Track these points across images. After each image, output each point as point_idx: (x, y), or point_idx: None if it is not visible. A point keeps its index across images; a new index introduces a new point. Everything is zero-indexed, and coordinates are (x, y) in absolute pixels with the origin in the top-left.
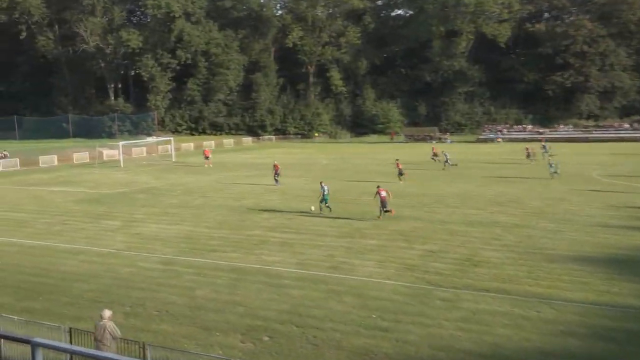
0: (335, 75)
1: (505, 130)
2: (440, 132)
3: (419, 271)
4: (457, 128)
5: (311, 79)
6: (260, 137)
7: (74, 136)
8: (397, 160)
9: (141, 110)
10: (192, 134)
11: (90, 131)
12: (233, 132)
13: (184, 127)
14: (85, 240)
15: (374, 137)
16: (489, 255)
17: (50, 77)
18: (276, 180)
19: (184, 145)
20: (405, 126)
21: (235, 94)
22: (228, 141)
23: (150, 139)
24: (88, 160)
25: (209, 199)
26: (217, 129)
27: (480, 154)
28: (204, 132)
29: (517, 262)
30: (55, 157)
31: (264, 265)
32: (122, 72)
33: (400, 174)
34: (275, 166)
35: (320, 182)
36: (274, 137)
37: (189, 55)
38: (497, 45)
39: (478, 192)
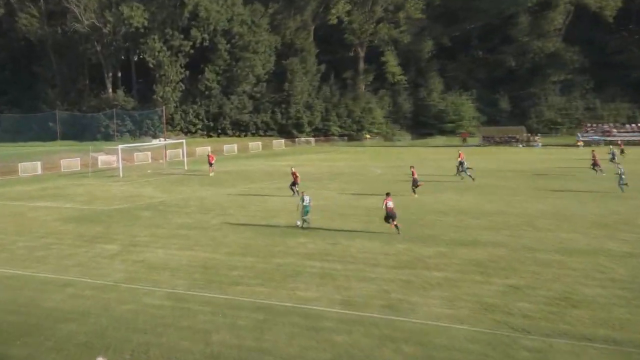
0: (392, 61)
1: (614, 130)
2: (529, 132)
3: (499, 313)
4: (551, 128)
5: (361, 65)
6: (296, 139)
7: (63, 138)
8: (412, 167)
9: (146, 105)
10: (210, 136)
11: (83, 132)
12: (261, 132)
13: (199, 126)
14: (76, 269)
15: (440, 139)
16: (592, 293)
17: (34, 65)
18: (293, 191)
19: (199, 149)
20: (482, 125)
21: (264, 84)
22: (255, 144)
23: (156, 142)
24: (79, 168)
25: (230, 218)
26: (240, 129)
27: (579, 159)
28: (224, 133)
29: (631, 302)
30: (39, 164)
31: (298, 304)
32: (123, 57)
33: (415, 185)
34: (293, 174)
35: (302, 193)
36: (312, 140)
37: (206, 36)
38: (603, 21)
39: (577, 210)
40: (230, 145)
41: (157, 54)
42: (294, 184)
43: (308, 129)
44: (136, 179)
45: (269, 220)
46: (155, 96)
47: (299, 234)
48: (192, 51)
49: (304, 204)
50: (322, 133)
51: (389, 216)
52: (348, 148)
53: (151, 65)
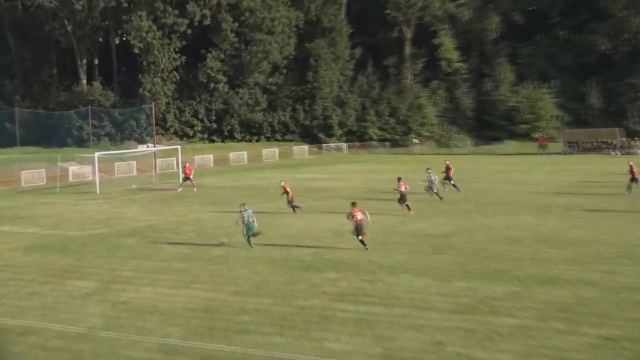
0: (447, 44)
1: None
2: (627, 136)
3: None
4: None
5: (407, 50)
6: (323, 145)
7: (24, 143)
8: (399, 179)
9: (130, 102)
10: (212, 140)
11: (49, 135)
12: (278, 136)
13: (198, 128)
14: (40, 313)
15: (511, 145)
16: None
17: None
18: (293, 208)
19: (198, 158)
20: (566, 127)
21: (283, 74)
22: (270, 151)
23: (144, 148)
24: (45, 182)
25: (237, 246)
26: (251, 132)
27: None
28: (230, 137)
29: None
30: None
31: (326, 358)
32: (101, 40)
33: (404, 200)
34: (284, 187)
35: (242, 205)
36: (344, 145)
37: (207, 12)
38: None
39: None
40: (239, 153)
41: (144, 35)
42: (290, 200)
43: (339, 132)
44: (117, 196)
45: (289, 250)
46: (141, 90)
47: (327, 268)
48: (189, 31)
49: (246, 220)
50: (356, 137)
51: (358, 230)
52: (390, 157)
53: (137, 50)
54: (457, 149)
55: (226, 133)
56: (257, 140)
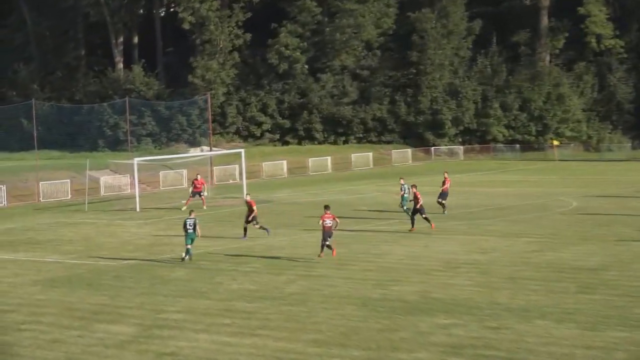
0: (598, 14)
1: None
2: None
3: None
4: None
5: (544, 22)
6: (432, 149)
7: (43, 146)
8: (413, 187)
9: (179, 91)
10: (286, 142)
11: (75, 136)
12: (372, 137)
13: (267, 126)
14: None
15: None
16: None
17: None
18: (261, 227)
19: (267, 164)
20: None
21: (379, 55)
22: (361, 157)
23: (196, 153)
24: (70, 197)
25: (319, 281)
26: (337, 132)
27: None
28: (309, 138)
29: None
30: (2, 189)
31: None
32: (142, 11)
33: (421, 213)
34: (249, 203)
35: (190, 212)
36: (460, 149)
37: None
38: None
39: None
40: (320, 159)
41: (197, 5)
42: (252, 218)
43: (452, 131)
44: (163, 215)
45: (387, 286)
46: (193, 76)
47: (437, 311)
48: (255, 2)
49: (188, 229)
50: (475, 138)
51: (324, 235)
52: (521, 164)
53: (187, 25)
54: (610, 153)
55: (303, 133)
56: (345, 142)
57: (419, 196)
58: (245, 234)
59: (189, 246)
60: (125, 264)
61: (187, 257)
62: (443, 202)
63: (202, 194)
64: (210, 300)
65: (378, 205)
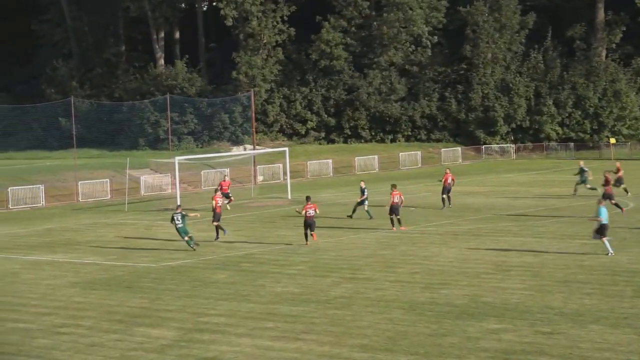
0: None
1: None
2: None
3: None
4: None
5: (601, 16)
6: (484, 147)
7: (82, 145)
8: (393, 187)
9: (221, 88)
10: (331, 140)
11: (115, 134)
12: (422, 135)
13: (312, 124)
14: None
15: None
16: None
17: (34, 20)
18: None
19: (312, 163)
20: None
21: (429, 50)
22: (410, 155)
23: (239, 151)
24: (109, 197)
25: (365, 284)
26: (385, 130)
27: None
28: (355, 136)
29: None
30: (41, 189)
31: None
32: (184, 6)
33: (396, 213)
34: (215, 200)
35: (177, 207)
36: (512, 147)
37: None
38: None
39: None
40: (367, 158)
41: (241, 0)
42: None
43: (504, 129)
44: (204, 216)
45: (435, 290)
46: (236, 73)
47: (487, 316)
48: None
49: (177, 224)
50: (528, 136)
51: (308, 225)
52: (575, 163)
53: (230, 21)
54: None
55: (350, 131)
56: (393, 141)
57: (393, 197)
58: (218, 232)
59: (186, 238)
60: (166, 266)
61: (193, 244)
62: (446, 196)
63: (229, 195)
64: (253, 303)
65: (427, 206)
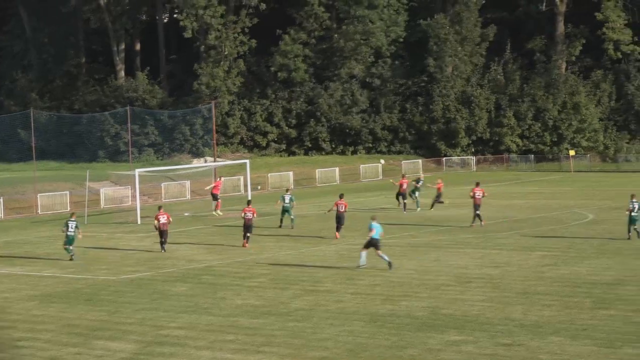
0: (616, 19)
1: None
2: None
3: None
4: None
5: (560, 29)
6: (444, 159)
7: (42, 157)
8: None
9: (182, 100)
10: (292, 152)
11: (75, 146)
12: (382, 147)
13: (273, 136)
14: None
15: None
16: None
17: None
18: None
19: (273, 175)
20: None
21: (389, 63)
22: (370, 168)
23: (200, 163)
24: (69, 209)
25: (325, 296)
26: (346, 142)
27: None
28: (316, 149)
29: None
30: (0, 201)
31: None
32: (144, 17)
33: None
34: (157, 218)
35: (72, 214)
36: (473, 159)
37: None
38: None
39: None
40: (328, 170)
41: (202, 11)
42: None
43: (465, 141)
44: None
45: (395, 301)
46: (197, 84)
47: (448, 327)
48: (262, 6)
49: (69, 232)
50: (489, 148)
51: (247, 228)
52: (536, 175)
53: (190, 34)
54: (628, 164)
55: (310, 143)
56: (354, 153)
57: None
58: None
59: (71, 248)
60: (126, 279)
61: (72, 255)
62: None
63: (218, 197)
64: (213, 316)
65: (387, 218)
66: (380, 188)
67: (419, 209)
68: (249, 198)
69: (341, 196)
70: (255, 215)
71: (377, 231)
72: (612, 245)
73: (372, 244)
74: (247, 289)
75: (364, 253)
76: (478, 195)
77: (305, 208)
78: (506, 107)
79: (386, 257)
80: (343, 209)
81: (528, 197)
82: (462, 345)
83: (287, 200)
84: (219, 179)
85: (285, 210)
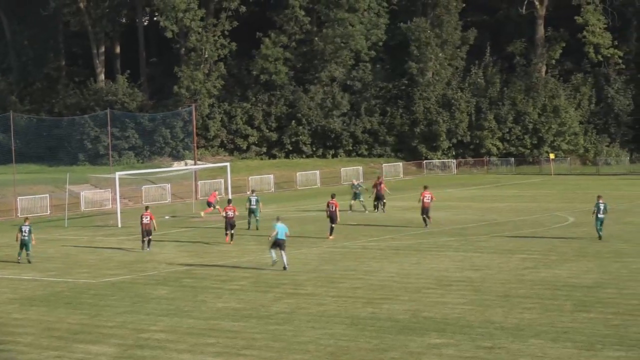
0: (595, 23)
1: None
2: None
3: None
4: None
5: (540, 32)
6: (425, 162)
7: (21, 160)
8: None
9: (162, 103)
10: (273, 155)
11: (55, 149)
12: (363, 151)
13: (253, 139)
14: None
15: None
16: None
17: None
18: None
19: (254, 178)
20: None
21: (369, 66)
22: (351, 170)
23: (180, 167)
24: (49, 213)
25: (307, 300)
26: (326, 145)
27: None
28: (296, 152)
29: None
30: None
31: None
32: (124, 20)
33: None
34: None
35: (25, 219)
36: (453, 162)
37: None
38: None
39: None
40: (308, 173)
41: (181, 14)
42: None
43: (445, 144)
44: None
45: (376, 304)
46: (178, 87)
47: (429, 330)
48: (242, 8)
49: (23, 236)
50: (470, 152)
51: (229, 225)
52: (516, 178)
53: (170, 34)
54: (607, 167)
55: (291, 146)
56: (335, 156)
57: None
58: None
59: (27, 252)
60: (106, 282)
61: (27, 259)
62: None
63: (213, 205)
64: (194, 319)
65: (367, 221)
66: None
67: (367, 211)
68: (230, 197)
69: (333, 196)
70: (236, 213)
71: (281, 232)
72: (592, 248)
73: (277, 244)
74: (228, 292)
75: (273, 251)
76: (427, 200)
77: (284, 211)
78: (487, 110)
79: (285, 260)
80: (334, 209)
81: (508, 200)
82: (443, 348)
83: (253, 202)
84: (215, 190)
85: (251, 212)
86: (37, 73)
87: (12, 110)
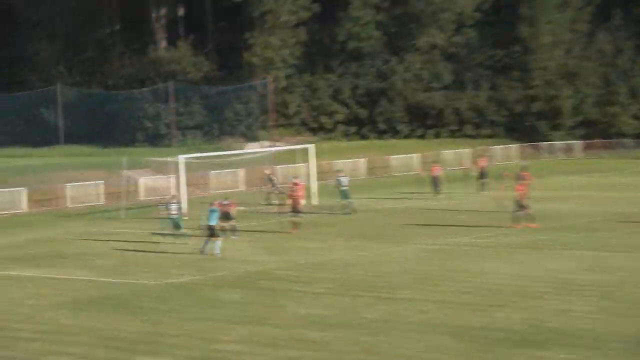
0: None
1: None
2: None
3: None
4: None
5: None
6: (540, 145)
7: (70, 141)
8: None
9: (232, 74)
10: (363, 136)
11: (109, 128)
12: (469, 130)
13: (340, 116)
14: None
15: None
16: None
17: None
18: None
19: (341, 163)
20: None
21: (476, 31)
22: (455, 154)
23: (256, 149)
24: (103, 202)
25: (403, 305)
26: (426, 124)
27: None
28: (391, 132)
29: None
30: (22, 193)
31: None
32: None
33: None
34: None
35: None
36: (578, 144)
37: None
38: None
39: None
40: (405, 157)
41: None
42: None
43: (569, 123)
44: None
45: (488, 312)
46: (249, 55)
47: (552, 344)
48: None
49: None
50: (597, 132)
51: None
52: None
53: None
54: None
55: (384, 125)
56: (436, 136)
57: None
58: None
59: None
60: (170, 283)
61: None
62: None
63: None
64: (273, 327)
65: (478, 213)
66: (468, 177)
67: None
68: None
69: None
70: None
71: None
72: None
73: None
74: (311, 296)
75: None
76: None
77: (377, 202)
78: (616, 82)
79: (217, 247)
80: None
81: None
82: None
83: (345, 183)
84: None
85: (344, 195)
86: (88, 40)
87: (59, 82)
